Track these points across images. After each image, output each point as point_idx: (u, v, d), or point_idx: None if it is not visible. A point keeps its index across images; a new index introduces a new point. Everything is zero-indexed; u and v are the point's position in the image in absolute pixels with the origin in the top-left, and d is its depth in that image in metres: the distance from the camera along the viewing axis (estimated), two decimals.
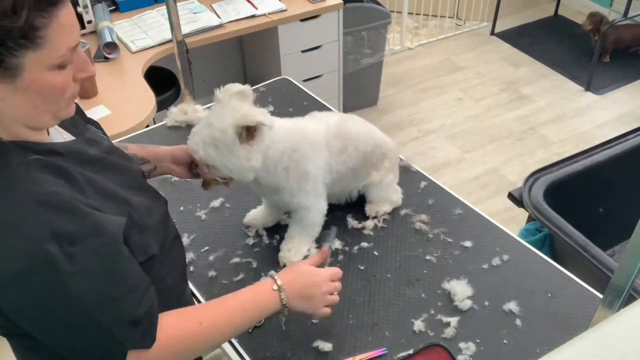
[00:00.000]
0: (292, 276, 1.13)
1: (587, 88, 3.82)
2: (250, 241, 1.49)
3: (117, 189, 0.97)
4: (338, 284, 1.18)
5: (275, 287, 1.09)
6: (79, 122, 1.06)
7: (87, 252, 0.84)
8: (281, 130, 1.29)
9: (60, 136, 0.98)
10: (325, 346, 1.23)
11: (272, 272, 1.37)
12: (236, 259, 1.44)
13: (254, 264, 1.43)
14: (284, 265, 1.41)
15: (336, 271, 1.19)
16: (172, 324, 0.96)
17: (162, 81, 2.80)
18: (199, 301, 1.35)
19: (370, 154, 1.46)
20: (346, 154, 1.39)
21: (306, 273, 1.15)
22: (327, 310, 1.16)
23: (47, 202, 0.82)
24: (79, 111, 1.09)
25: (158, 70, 2.82)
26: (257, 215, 1.53)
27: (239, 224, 1.53)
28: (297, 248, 1.42)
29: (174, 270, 1.09)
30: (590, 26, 3.90)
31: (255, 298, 1.08)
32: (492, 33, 4.40)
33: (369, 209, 1.54)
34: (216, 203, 1.60)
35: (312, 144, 1.34)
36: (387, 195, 1.54)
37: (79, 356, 0.92)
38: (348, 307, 1.32)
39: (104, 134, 1.12)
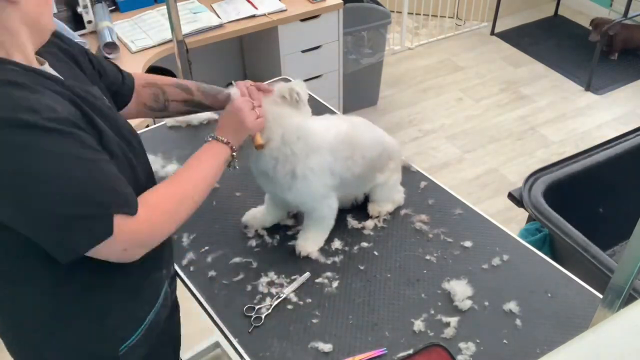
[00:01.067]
0: (221, 121, 1.25)
1: (587, 88, 3.82)
2: (250, 242, 1.49)
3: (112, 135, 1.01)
4: (256, 98, 1.29)
5: (210, 138, 1.21)
6: (81, 79, 1.10)
7: (60, 123, 0.87)
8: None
9: (58, 75, 1.01)
10: (325, 346, 1.24)
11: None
12: (236, 259, 1.44)
13: (254, 264, 1.43)
14: (299, 254, 1.43)
15: (241, 98, 1.27)
16: (149, 192, 1.03)
17: None
18: (194, 294, 1.36)
19: (377, 158, 1.46)
20: (352, 160, 1.39)
21: (227, 112, 1.26)
22: (261, 120, 1.27)
23: (20, 84, 0.87)
24: (91, 74, 1.16)
25: (158, 70, 2.82)
26: (256, 214, 1.53)
27: (239, 224, 1.53)
28: (314, 238, 1.45)
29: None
30: (598, 37, 3.83)
31: (205, 151, 1.18)
32: (492, 33, 4.40)
33: (372, 209, 1.54)
34: (216, 203, 1.60)
35: (311, 145, 1.33)
36: (390, 195, 1.54)
37: (57, 230, 0.90)
38: (348, 307, 1.32)
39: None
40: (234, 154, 1.21)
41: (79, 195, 0.89)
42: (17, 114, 0.84)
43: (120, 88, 1.28)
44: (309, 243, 1.44)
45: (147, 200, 1.00)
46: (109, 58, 2.51)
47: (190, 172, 1.13)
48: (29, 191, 0.86)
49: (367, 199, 1.56)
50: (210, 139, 1.21)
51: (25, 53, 0.94)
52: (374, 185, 1.50)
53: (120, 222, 0.93)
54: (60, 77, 1.00)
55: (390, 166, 1.51)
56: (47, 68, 1.00)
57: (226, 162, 1.21)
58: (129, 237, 0.95)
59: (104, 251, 0.93)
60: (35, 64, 0.97)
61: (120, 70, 1.30)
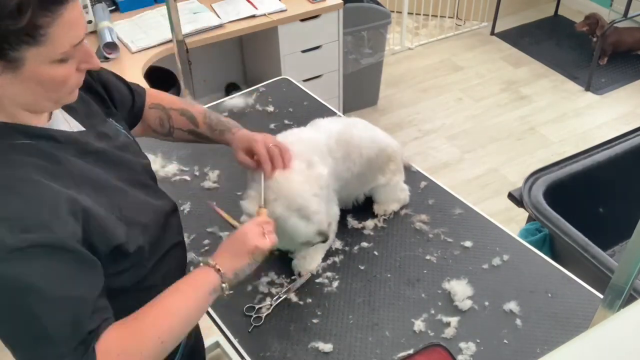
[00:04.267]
0: (221, 249, 1.08)
1: (587, 88, 3.82)
2: None
3: (115, 182, 0.97)
4: (269, 225, 1.13)
5: (201, 263, 1.04)
6: (96, 114, 1.06)
7: (37, 245, 0.80)
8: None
9: (66, 124, 0.99)
10: (326, 346, 1.24)
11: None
12: None
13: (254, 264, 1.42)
14: (299, 274, 1.39)
15: (261, 219, 1.14)
16: (112, 337, 0.89)
17: (162, 81, 2.80)
18: None
19: (375, 158, 1.45)
20: (350, 160, 1.38)
21: (230, 238, 1.10)
22: (265, 241, 1.09)
23: (8, 187, 0.82)
24: (106, 104, 1.11)
25: (158, 70, 2.82)
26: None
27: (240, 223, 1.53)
28: (312, 256, 1.40)
29: (169, 277, 1.05)
30: (585, 27, 3.89)
31: (187, 280, 1.02)
32: (492, 33, 4.40)
33: (377, 208, 1.54)
34: (216, 203, 1.60)
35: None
36: (394, 195, 1.54)
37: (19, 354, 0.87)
38: (348, 307, 1.32)
39: (128, 132, 1.13)
40: (224, 285, 1.03)
41: (39, 334, 0.83)
42: None
43: (130, 110, 1.23)
44: (307, 261, 1.39)
45: (103, 345, 0.87)
46: (109, 58, 2.51)
47: (163, 307, 0.96)
48: None
49: (367, 199, 1.56)
50: (201, 263, 1.04)
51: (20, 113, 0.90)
52: (376, 186, 1.50)
53: None
54: (69, 129, 0.97)
55: (391, 167, 1.50)
56: (55, 122, 0.96)
57: (215, 292, 1.02)
58: None
59: None
60: (36, 120, 0.92)
61: (132, 91, 1.23)
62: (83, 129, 1.01)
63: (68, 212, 0.84)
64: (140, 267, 1.00)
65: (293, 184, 1.22)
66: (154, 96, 1.30)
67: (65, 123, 0.99)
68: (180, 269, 1.16)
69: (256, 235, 1.09)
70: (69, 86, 0.90)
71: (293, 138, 1.33)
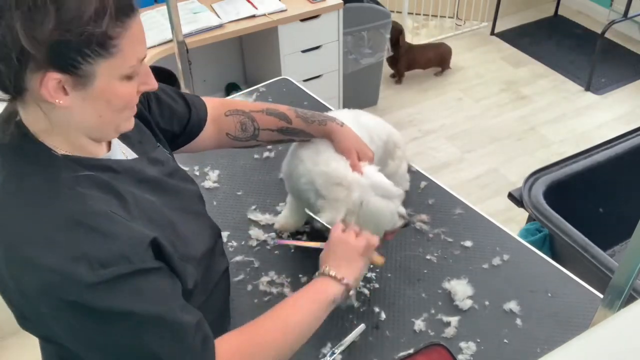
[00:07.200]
0: (328, 254, 1.09)
1: (587, 88, 3.82)
2: (251, 241, 1.49)
3: (168, 212, 0.95)
4: (353, 227, 1.14)
5: (317, 274, 1.06)
6: (148, 140, 1.05)
7: (119, 276, 0.80)
8: None
9: (121, 153, 0.97)
10: (326, 346, 1.24)
11: None
12: (237, 258, 1.44)
13: (256, 264, 1.43)
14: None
15: (341, 225, 1.15)
16: (230, 345, 0.92)
17: (162, 81, 2.76)
18: None
19: (386, 143, 1.47)
20: (373, 143, 1.38)
21: (330, 250, 1.10)
22: (379, 259, 1.17)
23: (83, 223, 0.80)
24: (155, 130, 1.09)
25: (158, 70, 2.82)
26: (288, 219, 1.49)
27: (240, 223, 1.53)
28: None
29: (215, 306, 1.05)
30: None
31: (308, 294, 1.04)
32: (492, 33, 4.40)
33: None
34: (217, 203, 1.60)
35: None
36: (401, 184, 1.54)
37: None
38: (348, 307, 1.32)
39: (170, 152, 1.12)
40: (351, 292, 1.06)
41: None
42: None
43: (185, 127, 1.19)
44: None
45: (222, 349, 0.90)
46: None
47: (282, 321, 0.98)
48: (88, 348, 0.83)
49: None
50: (319, 276, 1.06)
51: (79, 142, 0.88)
52: (387, 174, 1.50)
53: None
54: (125, 157, 0.96)
55: (398, 154, 1.52)
56: (113, 152, 0.94)
57: (334, 303, 1.03)
58: None
59: None
60: (96, 149, 0.91)
61: (189, 106, 1.20)
62: (136, 156, 0.99)
63: (140, 242, 0.84)
64: (193, 299, 0.96)
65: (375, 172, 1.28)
66: (230, 103, 1.28)
67: (120, 152, 0.97)
68: (225, 295, 1.16)
69: (352, 237, 1.10)
70: (129, 108, 0.88)
71: None
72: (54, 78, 0.77)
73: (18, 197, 0.82)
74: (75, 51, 0.76)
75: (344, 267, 1.06)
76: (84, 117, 0.84)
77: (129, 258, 0.81)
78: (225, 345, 0.91)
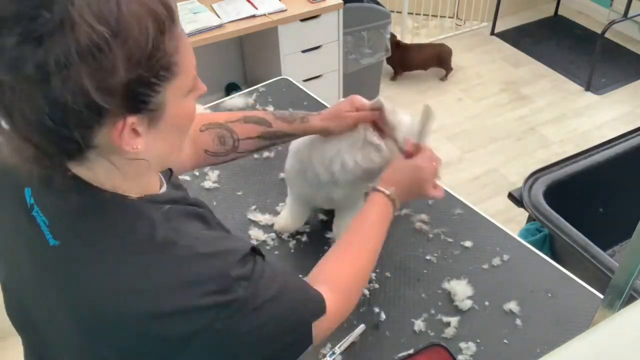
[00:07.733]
0: (397, 177, 1.12)
1: (587, 88, 3.82)
2: (251, 242, 1.49)
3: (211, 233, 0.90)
4: (437, 163, 1.18)
5: (386, 195, 1.08)
6: None
7: (263, 281, 0.78)
8: None
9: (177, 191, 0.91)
10: (325, 347, 1.24)
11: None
12: None
13: None
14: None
15: (429, 153, 1.20)
16: (327, 273, 0.96)
17: None
18: None
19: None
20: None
21: (407, 169, 1.14)
22: (438, 193, 1.17)
23: (208, 253, 0.75)
24: None
25: None
26: (288, 220, 1.48)
27: (240, 223, 1.53)
28: None
29: None
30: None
31: (379, 216, 1.07)
32: (492, 33, 4.40)
33: None
34: (217, 203, 1.60)
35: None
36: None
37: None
38: None
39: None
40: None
41: (287, 330, 0.82)
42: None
43: None
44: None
45: (331, 288, 0.91)
46: None
47: (365, 241, 1.03)
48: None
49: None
50: (380, 194, 1.07)
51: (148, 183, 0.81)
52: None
53: (317, 326, 0.86)
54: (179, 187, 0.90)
55: None
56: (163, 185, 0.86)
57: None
58: (323, 334, 0.90)
59: None
60: (157, 186, 0.83)
61: None
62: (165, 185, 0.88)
63: (243, 239, 0.85)
64: None
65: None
66: (203, 117, 1.18)
67: None
68: None
69: (432, 175, 1.14)
70: (192, 124, 0.79)
71: None
72: (129, 124, 0.67)
73: (128, 259, 0.73)
74: (145, 85, 0.66)
75: (400, 192, 1.09)
76: (155, 152, 0.74)
77: (248, 256, 0.78)
78: (331, 279, 0.95)
